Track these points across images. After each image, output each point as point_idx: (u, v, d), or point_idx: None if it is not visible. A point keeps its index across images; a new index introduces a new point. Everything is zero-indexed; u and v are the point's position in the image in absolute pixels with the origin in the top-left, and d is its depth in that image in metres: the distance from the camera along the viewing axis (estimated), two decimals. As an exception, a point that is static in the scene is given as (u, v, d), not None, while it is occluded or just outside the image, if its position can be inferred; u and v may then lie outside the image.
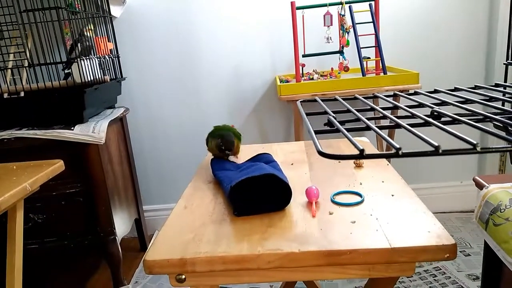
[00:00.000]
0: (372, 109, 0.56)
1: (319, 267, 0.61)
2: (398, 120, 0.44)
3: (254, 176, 0.73)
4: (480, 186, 0.89)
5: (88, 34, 1.50)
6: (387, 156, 0.38)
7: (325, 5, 1.53)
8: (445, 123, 0.44)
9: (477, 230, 0.86)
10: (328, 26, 1.57)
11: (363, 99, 0.62)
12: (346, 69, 1.62)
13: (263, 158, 0.93)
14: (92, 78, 1.46)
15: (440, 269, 1.54)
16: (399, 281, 1.49)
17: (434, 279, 1.48)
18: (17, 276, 0.97)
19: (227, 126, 1.03)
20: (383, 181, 0.82)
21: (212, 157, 0.99)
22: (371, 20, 1.52)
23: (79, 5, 1.46)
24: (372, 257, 0.58)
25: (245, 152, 1.10)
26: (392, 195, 0.75)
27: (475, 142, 0.34)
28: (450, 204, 1.98)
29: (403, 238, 0.59)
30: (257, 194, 0.72)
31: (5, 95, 1.40)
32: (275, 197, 0.73)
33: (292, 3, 1.51)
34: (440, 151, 0.35)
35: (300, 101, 0.65)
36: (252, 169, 0.79)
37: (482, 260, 0.97)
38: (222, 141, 0.94)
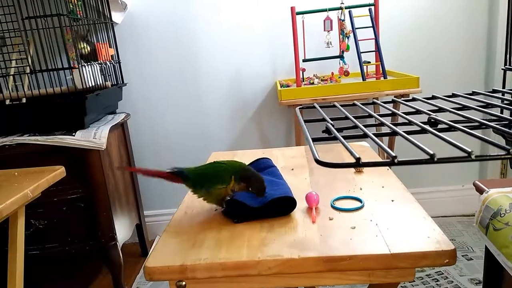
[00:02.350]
0: (371, 115, 0.56)
1: (319, 273, 0.61)
2: (395, 128, 0.44)
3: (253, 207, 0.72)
4: (480, 191, 0.89)
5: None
6: (383, 164, 0.39)
7: (325, 10, 1.53)
8: (442, 130, 0.44)
9: (479, 234, 0.86)
10: (328, 31, 1.57)
11: (361, 106, 0.62)
12: (346, 73, 1.62)
13: (263, 163, 0.93)
14: (93, 84, 1.47)
15: (442, 273, 1.53)
16: (401, 286, 1.49)
17: (436, 284, 1.48)
18: (19, 282, 0.97)
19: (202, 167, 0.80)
20: (383, 187, 0.83)
21: None
22: (371, 25, 1.53)
23: (81, 11, 1.47)
24: (371, 263, 0.58)
25: (246, 157, 1.10)
26: (392, 201, 0.75)
27: (469, 150, 0.35)
28: (452, 208, 1.98)
29: (402, 244, 0.60)
30: (257, 210, 0.72)
31: (7, 101, 1.41)
32: (278, 209, 0.73)
33: (292, 8, 1.52)
34: (435, 159, 0.36)
35: (299, 108, 0.66)
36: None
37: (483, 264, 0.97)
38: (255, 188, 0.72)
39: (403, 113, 0.54)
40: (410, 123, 0.49)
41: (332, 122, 0.52)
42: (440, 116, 0.51)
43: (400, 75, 1.64)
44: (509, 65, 0.78)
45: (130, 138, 1.83)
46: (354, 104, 0.67)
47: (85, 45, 1.51)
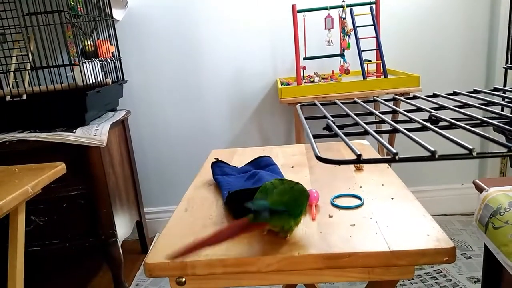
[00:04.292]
0: (371, 113, 0.56)
1: (319, 270, 0.61)
2: (396, 125, 0.44)
3: (251, 189, 0.72)
4: (480, 189, 0.89)
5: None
6: (384, 161, 0.39)
7: (326, 8, 1.53)
8: (443, 127, 0.44)
9: (478, 232, 0.86)
10: (329, 29, 1.57)
11: (362, 103, 0.62)
12: (347, 72, 1.62)
13: (263, 161, 0.93)
14: (94, 81, 1.47)
15: (441, 271, 1.54)
16: (400, 284, 1.49)
17: (435, 282, 1.48)
18: (19, 278, 0.97)
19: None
20: (383, 184, 0.83)
21: (213, 160, 0.99)
22: (372, 23, 1.53)
23: (82, 8, 1.47)
24: (371, 260, 0.58)
25: (246, 155, 1.10)
26: (392, 198, 0.75)
27: (471, 147, 0.35)
28: (451, 207, 1.98)
29: (402, 241, 0.60)
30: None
31: (8, 98, 1.41)
32: None
33: (293, 6, 1.52)
34: (437, 156, 0.36)
35: (300, 105, 0.66)
36: (252, 181, 0.78)
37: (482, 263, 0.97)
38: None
39: (404, 110, 0.54)
40: (411, 120, 0.49)
41: (333, 119, 0.52)
42: (441, 114, 0.51)
43: (400, 74, 1.63)
44: (511, 63, 0.78)
45: (131, 134, 1.83)
46: (354, 102, 0.67)
47: (89, 42, 1.51)
